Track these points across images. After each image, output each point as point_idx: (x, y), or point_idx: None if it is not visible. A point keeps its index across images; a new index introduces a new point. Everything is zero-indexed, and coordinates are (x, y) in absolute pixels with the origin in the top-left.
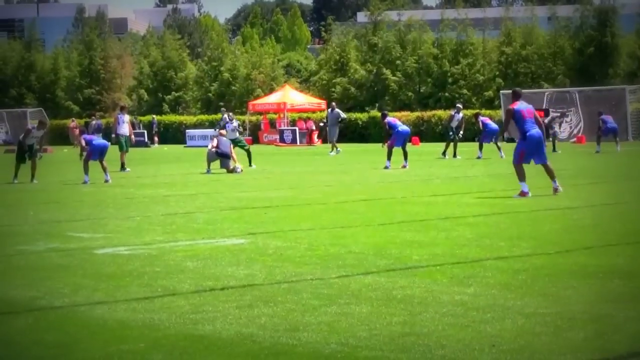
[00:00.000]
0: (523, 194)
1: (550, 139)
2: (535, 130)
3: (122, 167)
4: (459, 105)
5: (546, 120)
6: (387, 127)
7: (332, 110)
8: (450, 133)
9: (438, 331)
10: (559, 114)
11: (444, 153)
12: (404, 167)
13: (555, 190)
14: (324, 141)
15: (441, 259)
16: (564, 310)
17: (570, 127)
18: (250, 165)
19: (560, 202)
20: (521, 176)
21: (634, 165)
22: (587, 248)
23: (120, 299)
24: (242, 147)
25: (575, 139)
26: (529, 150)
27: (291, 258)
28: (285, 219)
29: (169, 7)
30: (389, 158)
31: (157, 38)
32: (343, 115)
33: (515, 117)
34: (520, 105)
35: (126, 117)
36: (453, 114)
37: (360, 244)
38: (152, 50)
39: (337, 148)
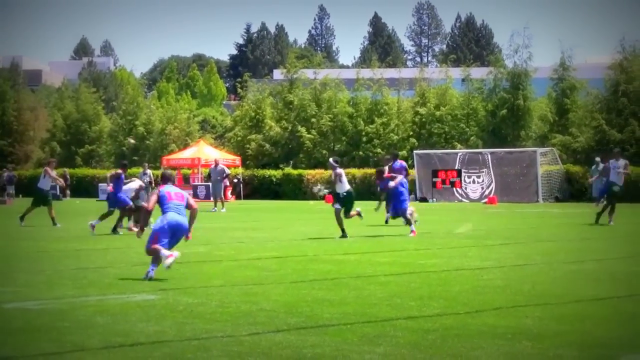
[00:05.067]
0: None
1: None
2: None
3: (53, 222)
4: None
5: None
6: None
7: (216, 166)
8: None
9: None
10: None
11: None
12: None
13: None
14: (238, 197)
15: (352, 318)
16: None
17: (482, 188)
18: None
19: (471, 263)
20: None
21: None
22: (496, 309)
23: (29, 354)
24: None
25: (486, 200)
26: None
27: (202, 315)
28: (196, 276)
29: (85, 60)
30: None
31: (72, 91)
32: (228, 171)
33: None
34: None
35: (52, 173)
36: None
37: (271, 302)
38: (66, 103)
39: (223, 206)
